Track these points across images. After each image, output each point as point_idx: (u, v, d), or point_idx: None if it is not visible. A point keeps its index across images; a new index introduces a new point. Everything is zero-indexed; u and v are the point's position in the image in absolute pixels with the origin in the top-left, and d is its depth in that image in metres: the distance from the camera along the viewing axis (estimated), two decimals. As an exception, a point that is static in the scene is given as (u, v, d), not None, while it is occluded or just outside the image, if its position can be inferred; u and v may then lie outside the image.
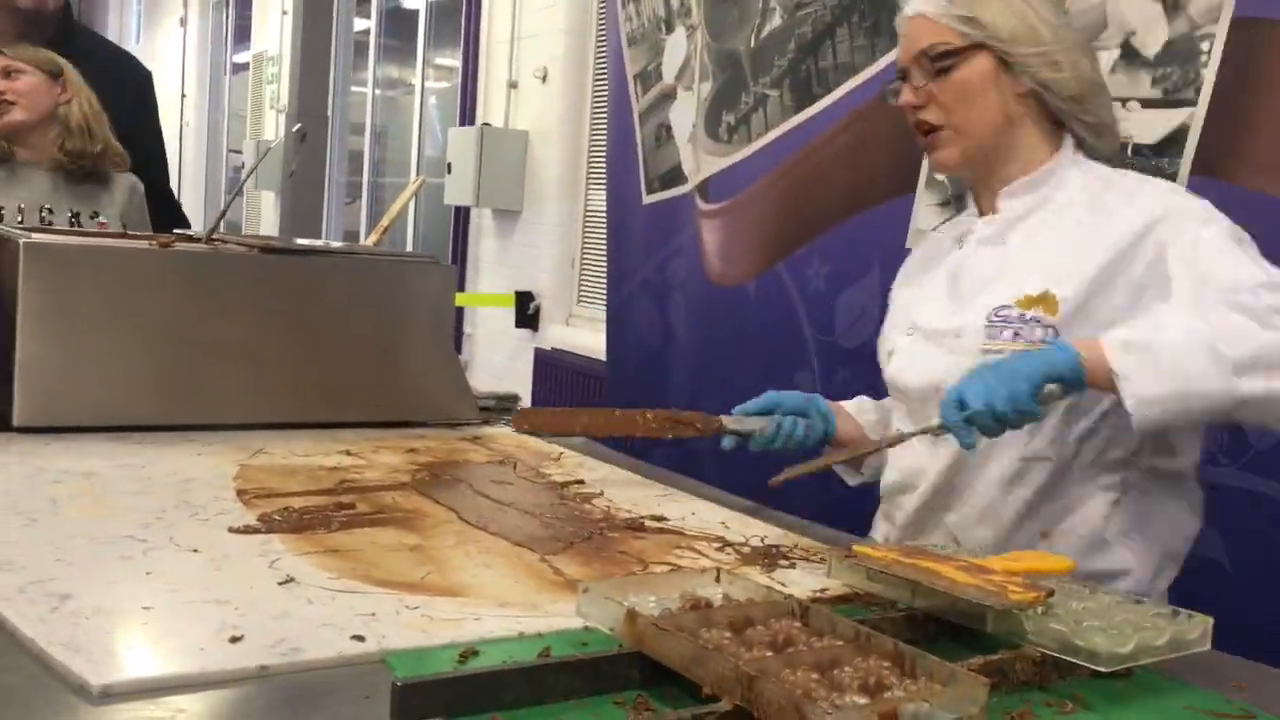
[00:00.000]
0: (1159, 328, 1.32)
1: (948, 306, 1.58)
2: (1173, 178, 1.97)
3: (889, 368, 1.64)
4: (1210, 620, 1.05)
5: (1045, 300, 1.47)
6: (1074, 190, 1.54)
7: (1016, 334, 1.47)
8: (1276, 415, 1.33)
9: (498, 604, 1.12)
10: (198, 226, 2.78)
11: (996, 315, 1.49)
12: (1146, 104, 2.04)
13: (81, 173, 2.52)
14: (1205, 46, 1.93)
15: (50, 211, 2.41)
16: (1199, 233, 1.43)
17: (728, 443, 1.61)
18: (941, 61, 1.52)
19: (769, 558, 1.34)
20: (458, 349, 5.63)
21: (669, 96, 3.39)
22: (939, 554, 1.19)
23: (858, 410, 1.75)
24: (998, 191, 1.58)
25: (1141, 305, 1.42)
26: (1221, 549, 1.90)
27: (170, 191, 3.23)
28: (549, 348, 5.36)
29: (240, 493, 1.47)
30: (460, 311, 6.04)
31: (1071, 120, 1.56)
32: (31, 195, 2.45)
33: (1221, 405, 1.30)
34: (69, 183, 2.51)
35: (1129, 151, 2.02)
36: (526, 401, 1.99)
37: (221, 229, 2.09)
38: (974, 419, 1.31)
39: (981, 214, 1.62)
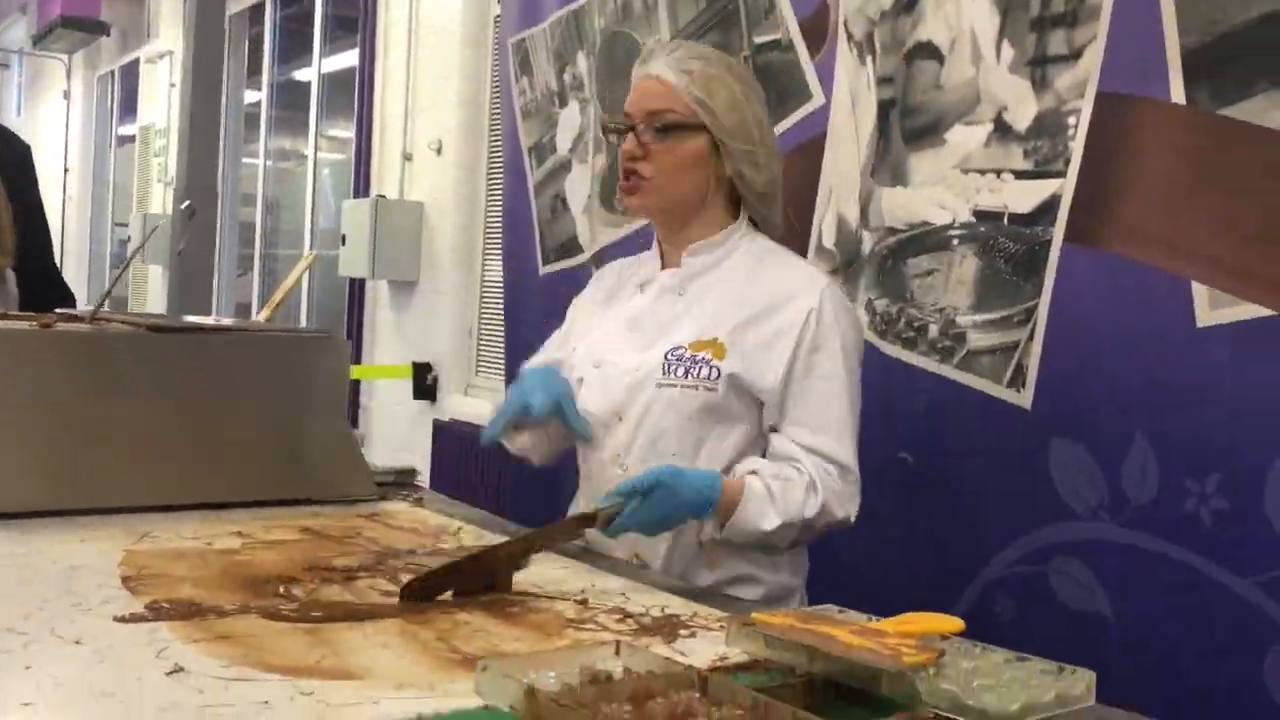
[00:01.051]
0: (780, 495, 1.68)
1: (631, 344, 1.83)
2: (1046, 245, 2.06)
3: (579, 394, 1.85)
4: (1093, 675, 1.08)
5: (714, 345, 1.76)
6: (741, 257, 1.83)
7: (687, 372, 1.75)
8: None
9: (395, 685, 1.10)
10: (82, 302, 2.72)
11: (672, 354, 1.76)
12: (1019, 175, 2.13)
13: None
14: (1072, 120, 2.03)
15: None
16: (838, 369, 1.76)
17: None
18: (669, 129, 1.76)
19: (669, 628, 1.35)
20: (354, 422, 5.56)
21: (564, 168, 3.43)
22: (834, 618, 1.20)
23: None
24: (681, 249, 1.84)
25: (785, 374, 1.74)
26: (1105, 602, 1.96)
27: (55, 267, 3.16)
28: (448, 418, 5.31)
29: (126, 579, 1.42)
30: (357, 384, 5.97)
31: (751, 207, 1.85)
32: None
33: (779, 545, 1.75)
34: None
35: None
36: (425, 476, 1.98)
37: (107, 306, 2.05)
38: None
39: (664, 266, 1.87)
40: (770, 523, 1.68)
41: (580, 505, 1.90)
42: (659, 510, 1.60)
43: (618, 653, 1.10)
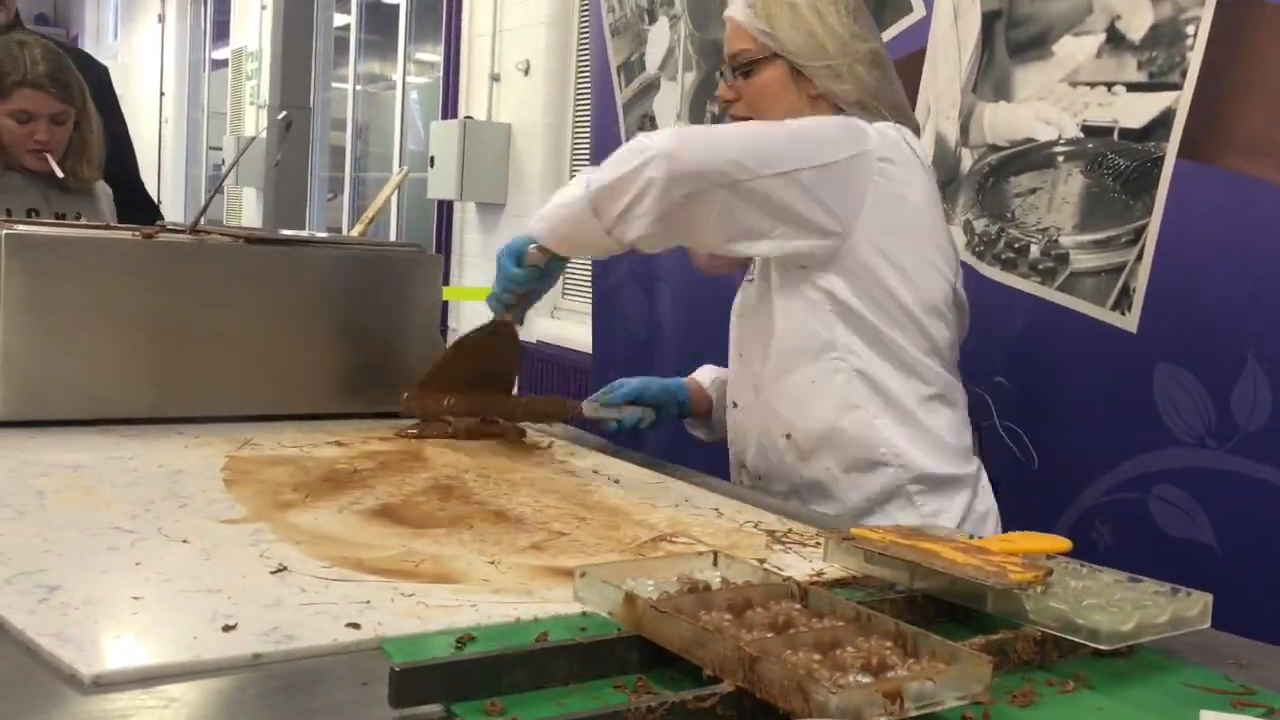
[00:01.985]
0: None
1: None
2: (1158, 162, 1.98)
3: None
4: (1209, 597, 1.05)
5: None
6: None
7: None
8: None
9: (492, 590, 1.11)
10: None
11: None
12: (1132, 88, 2.04)
13: (73, 187, 2.52)
14: (1190, 29, 1.93)
15: (38, 213, 2.40)
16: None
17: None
18: (744, 66, 1.76)
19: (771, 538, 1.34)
20: (444, 343, 5.61)
21: (653, 87, 3.38)
22: (936, 535, 1.18)
23: (706, 380, 2.09)
24: None
25: None
26: (1209, 530, 1.91)
27: (141, 183, 3.21)
28: (534, 341, 5.34)
29: (229, 483, 1.45)
30: (446, 306, 6.02)
31: (864, 117, 1.76)
32: (22, 201, 2.43)
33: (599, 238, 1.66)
34: (58, 190, 2.50)
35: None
36: (515, 391, 1.98)
37: (207, 223, 2.07)
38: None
39: None
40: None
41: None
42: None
43: (715, 563, 1.09)
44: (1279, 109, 1.81)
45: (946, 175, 2.40)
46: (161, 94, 12.36)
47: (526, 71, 5.49)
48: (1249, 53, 1.85)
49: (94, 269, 1.76)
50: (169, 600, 1.03)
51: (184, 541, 1.19)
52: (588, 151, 4.05)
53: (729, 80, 1.79)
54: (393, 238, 7.16)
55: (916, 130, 1.85)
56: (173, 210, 10.71)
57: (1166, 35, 1.97)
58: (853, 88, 1.76)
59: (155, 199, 3.28)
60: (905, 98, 1.87)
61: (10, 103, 2.42)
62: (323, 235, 2.22)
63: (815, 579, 1.17)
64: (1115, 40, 2.06)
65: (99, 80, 3.13)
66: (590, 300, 3.80)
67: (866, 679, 0.82)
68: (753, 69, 1.76)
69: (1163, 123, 1.98)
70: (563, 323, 5.30)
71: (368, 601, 1.04)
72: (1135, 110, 2.03)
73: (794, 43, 1.74)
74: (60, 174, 2.45)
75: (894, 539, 1.14)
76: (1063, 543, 1.16)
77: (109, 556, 1.14)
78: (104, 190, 2.63)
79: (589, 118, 4.08)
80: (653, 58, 3.38)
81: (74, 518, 1.26)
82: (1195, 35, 1.92)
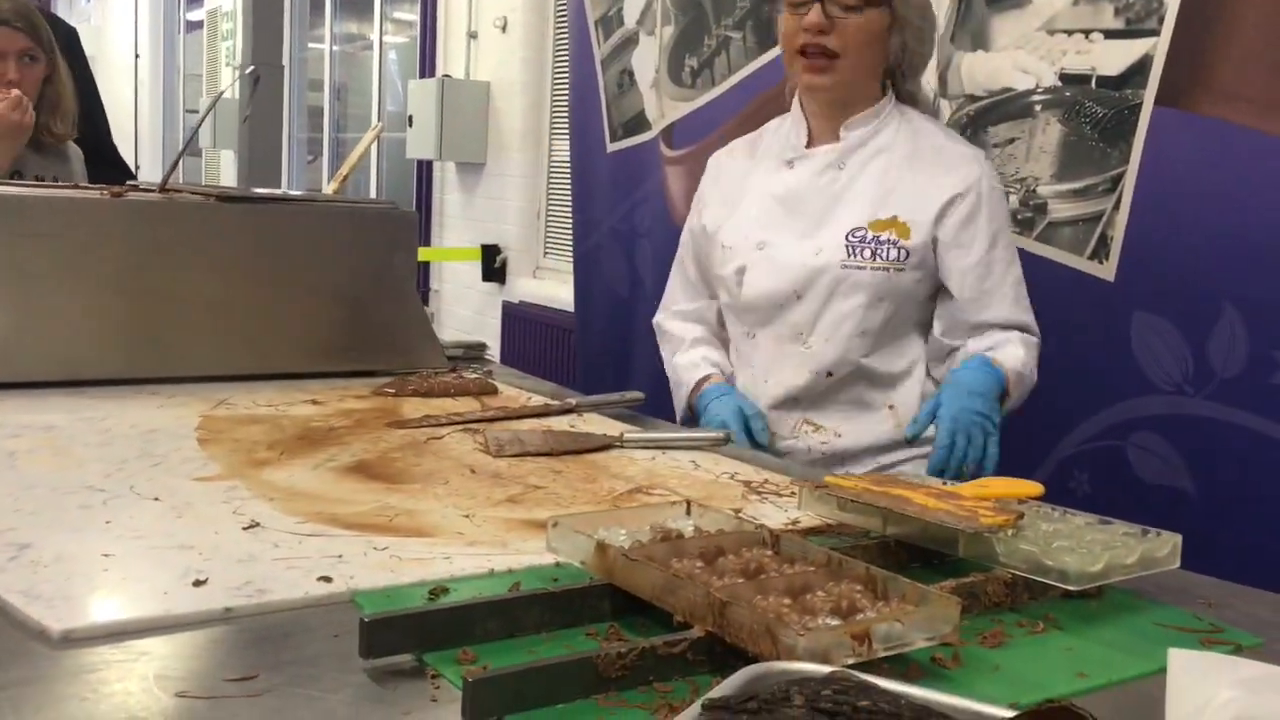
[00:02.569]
0: (1026, 371, 1.73)
1: (796, 224, 1.79)
2: (1136, 109, 1.97)
3: (744, 282, 1.82)
4: (1178, 537, 1.05)
5: (897, 225, 1.73)
6: (895, 130, 1.79)
7: (874, 254, 1.73)
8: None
9: (466, 543, 1.10)
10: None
11: (853, 235, 1.74)
12: (1109, 34, 2.03)
13: (47, 144, 2.47)
14: (1168, -25, 1.92)
15: (14, 176, 2.36)
16: (1007, 238, 1.77)
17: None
18: (859, 2, 1.71)
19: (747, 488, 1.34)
20: (425, 304, 5.59)
21: (631, 42, 3.35)
22: (909, 482, 1.18)
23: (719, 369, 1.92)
24: (833, 123, 1.80)
25: (955, 243, 1.74)
26: (1186, 476, 1.92)
27: (113, 145, 3.17)
28: (517, 300, 5.33)
29: (203, 442, 1.44)
30: (426, 267, 5.99)
31: (900, 80, 1.82)
32: None
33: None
34: (30, 149, 2.46)
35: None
36: (495, 352, 1.97)
37: (181, 183, 2.05)
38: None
39: (810, 143, 1.82)
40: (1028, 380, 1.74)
41: (743, 384, 1.88)
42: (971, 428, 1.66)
43: (688, 512, 1.09)
44: (1256, 54, 1.81)
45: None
46: (136, 57, 12.19)
47: (504, 29, 5.43)
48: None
49: (64, 229, 1.74)
50: (140, 557, 1.02)
51: (156, 499, 1.19)
52: (567, 109, 4.02)
53: (829, 11, 1.70)
54: (373, 198, 7.12)
55: (925, 101, 1.92)
56: (150, 173, 10.60)
57: (1143, -19, 1.96)
58: (926, 52, 1.81)
59: (132, 163, 3.24)
60: None
61: None
62: (295, 193, 2.20)
63: (790, 527, 1.17)
64: (1092, -14, 2.05)
65: (67, 40, 3.08)
66: (571, 259, 3.78)
67: (835, 622, 0.82)
68: (863, 7, 1.71)
69: (1140, 69, 1.97)
70: (544, 282, 5.28)
71: (340, 556, 1.04)
72: (1113, 57, 2.02)
73: None
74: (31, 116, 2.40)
75: (867, 486, 1.14)
76: (1035, 487, 1.16)
77: (80, 515, 1.13)
78: (76, 152, 2.60)
79: (567, 74, 4.04)
80: (631, 12, 3.35)
81: (46, 477, 1.25)
82: (1172, -20, 1.91)
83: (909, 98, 1.84)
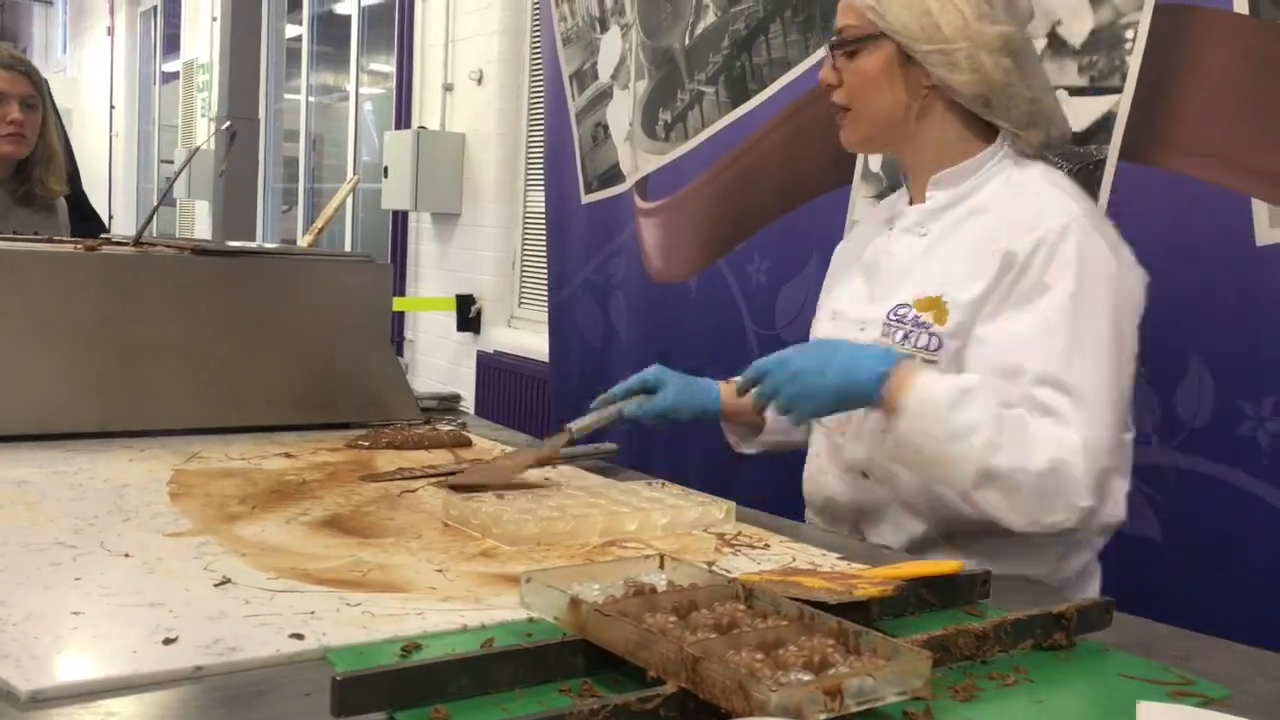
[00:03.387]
0: (960, 401, 1.34)
1: (865, 293, 1.60)
2: (1100, 164, 2.01)
3: None
4: (732, 504, 1.35)
5: (937, 305, 1.47)
6: (996, 188, 1.52)
7: (906, 336, 1.48)
8: (995, 520, 1.38)
9: (440, 599, 1.10)
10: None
11: (894, 314, 1.50)
12: (1074, 92, 2.07)
13: (39, 199, 2.49)
14: (1130, 34, 1.96)
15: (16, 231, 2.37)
16: (1067, 286, 1.40)
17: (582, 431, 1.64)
18: (848, 45, 1.54)
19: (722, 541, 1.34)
20: (399, 354, 5.59)
21: (605, 95, 3.39)
22: (815, 572, 1.16)
23: None
24: (927, 180, 1.57)
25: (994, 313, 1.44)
26: (1156, 527, 1.93)
27: (85, 197, 3.18)
28: (491, 350, 5.33)
29: (174, 497, 1.44)
30: (401, 317, 6.00)
31: (998, 124, 1.53)
32: None
33: (954, 494, 1.40)
34: (21, 204, 2.47)
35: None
36: (470, 403, 1.97)
37: (155, 236, 2.05)
38: (769, 403, 1.45)
39: (912, 201, 1.62)
40: (965, 382, 1.37)
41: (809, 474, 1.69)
42: (804, 357, 1.41)
43: (661, 566, 1.09)
44: (1217, 111, 1.84)
45: (896, 179, 2.43)
46: (111, 107, 12.22)
47: (480, 81, 5.49)
48: (1187, 56, 1.89)
49: (37, 282, 1.74)
50: (110, 615, 1.01)
51: (126, 556, 1.18)
52: (542, 160, 4.05)
53: (837, 64, 1.56)
54: (347, 249, 7.12)
55: (1064, 132, 1.62)
56: (124, 225, 10.59)
57: (1106, 40, 2.00)
58: (975, 79, 1.49)
59: (106, 213, 3.25)
60: (1049, 88, 1.61)
61: None
62: (270, 246, 2.21)
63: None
64: (1056, 45, 2.09)
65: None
66: (546, 309, 3.80)
67: (808, 677, 0.83)
68: (857, 50, 1.53)
69: (1104, 126, 2.01)
70: (519, 332, 5.29)
71: (312, 612, 1.04)
72: (1077, 114, 2.06)
73: (903, 21, 1.49)
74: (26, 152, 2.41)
75: (770, 577, 1.11)
76: (952, 565, 1.15)
77: (50, 572, 1.12)
78: (63, 207, 2.61)
79: (542, 126, 4.08)
80: (605, 66, 3.39)
81: (16, 533, 1.24)
82: (1134, 40, 1.96)
83: (1022, 146, 1.55)
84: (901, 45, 1.50)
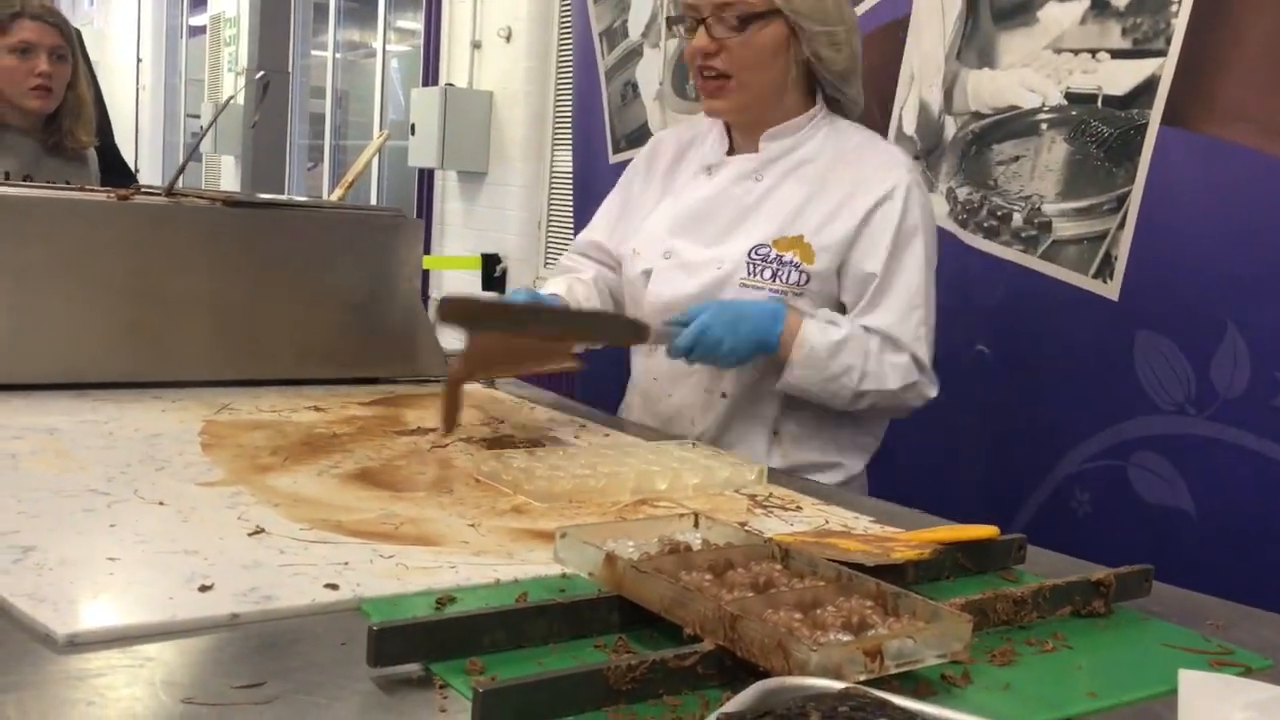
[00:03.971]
0: (839, 348, 1.64)
1: (704, 234, 1.75)
2: (1142, 129, 1.97)
3: (649, 289, 1.77)
4: (764, 466, 1.45)
5: (801, 246, 1.68)
6: (821, 141, 1.74)
7: (774, 274, 1.68)
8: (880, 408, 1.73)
9: (473, 553, 1.10)
10: (157, 188, 2.74)
11: (756, 254, 1.69)
12: (1116, 54, 2.03)
13: (69, 150, 2.48)
14: (1176, -4, 1.92)
15: (26, 179, 2.37)
16: (914, 245, 1.68)
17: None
18: (744, 20, 1.65)
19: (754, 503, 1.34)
20: (428, 310, 5.60)
21: (635, 54, 3.36)
22: (849, 533, 1.15)
23: (570, 295, 1.85)
24: (754, 134, 1.75)
25: (863, 253, 1.69)
26: (1187, 497, 1.92)
27: (117, 149, 3.18)
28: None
29: (206, 447, 1.44)
30: (426, 275, 5.99)
31: (829, 88, 1.75)
32: (18, 164, 2.40)
33: (841, 407, 1.70)
34: (52, 155, 2.47)
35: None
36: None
37: (181, 187, 2.05)
38: (692, 356, 1.58)
39: (732, 151, 1.79)
40: (837, 335, 1.64)
41: (633, 405, 1.90)
42: (720, 325, 1.57)
43: (696, 525, 1.09)
44: (1261, 76, 1.81)
45: (930, 143, 2.40)
46: (138, 60, 12.21)
47: (508, 39, 5.45)
48: (1232, 20, 1.85)
49: (68, 232, 1.74)
50: (145, 561, 1.02)
51: (160, 504, 1.18)
52: (569, 119, 4.02)
53: (714, 34, 1.66)
54: (376, 205, 7.12)
55: (859, 112, 1.83)
56: (150, 178, 10.61)
57: (1151, 2, 1.96)
58: (845, 57, 1.71)
59: (132, 166, 3.24)
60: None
61: (10, 36, 2.38)
62: (301, 199, 2.20)
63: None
64: (1100, 7, 2.05)
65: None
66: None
67: (847, 637, 0.82)
68: (750, 24, 1.65)
69: (1146, 90, 1.97)
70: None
71: (346, 563, 1.04)
72: (1119, 77, 2.02)
73: (803, 2, 1.66)
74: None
75: (805, 539, 1.11)
76: (988, 530, 1.14)
77: (84, 518, 1.12)
78: (94, 158, 2.61)
79: (571, 85, 4.05)
80: (635, 24, 3.35)
81: (49, 480, 1.24)
82: (1180, 2, 1.92)
83: (837, 107, 1.79)
84: (794, 23, 1.66)
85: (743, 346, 1.60)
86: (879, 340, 1.67)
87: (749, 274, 1.68)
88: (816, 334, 1.64)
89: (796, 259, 1.67)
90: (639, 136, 3.34)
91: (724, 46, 1.66)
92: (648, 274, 1.79)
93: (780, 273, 1.67)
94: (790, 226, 1.69)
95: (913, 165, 1.77)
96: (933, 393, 1.73)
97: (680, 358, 1.60)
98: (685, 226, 1.78)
